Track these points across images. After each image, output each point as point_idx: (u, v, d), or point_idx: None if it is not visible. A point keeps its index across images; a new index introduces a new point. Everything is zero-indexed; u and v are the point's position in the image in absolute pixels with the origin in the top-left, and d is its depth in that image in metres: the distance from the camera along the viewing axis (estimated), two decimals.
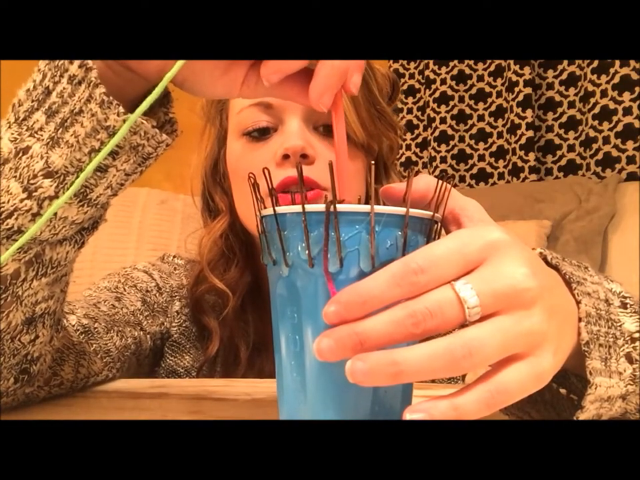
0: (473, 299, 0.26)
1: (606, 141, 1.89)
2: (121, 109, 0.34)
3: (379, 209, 0.29)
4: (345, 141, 0.35)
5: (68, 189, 0.35)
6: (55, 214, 0.36)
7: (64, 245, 0.39)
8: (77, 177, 0.35)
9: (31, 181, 0.35)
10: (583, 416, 0.32)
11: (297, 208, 0.30)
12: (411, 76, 2.37)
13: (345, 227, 0.29)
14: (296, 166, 0.32)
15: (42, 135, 0.35)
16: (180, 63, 0.33)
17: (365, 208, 0.29)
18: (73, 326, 0.51)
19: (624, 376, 0.33)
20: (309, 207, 0.30)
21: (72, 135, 0.35)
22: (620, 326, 0.34)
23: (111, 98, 0.34)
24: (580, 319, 0.32)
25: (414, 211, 0.30)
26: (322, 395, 0.31)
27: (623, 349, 0.34)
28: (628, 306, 0.36)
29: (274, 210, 0.31)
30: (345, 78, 0.35)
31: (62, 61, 0.35)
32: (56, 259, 0.39)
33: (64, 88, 0.35)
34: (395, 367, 0.25)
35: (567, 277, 0.33)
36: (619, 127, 1.87)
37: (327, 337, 0.26)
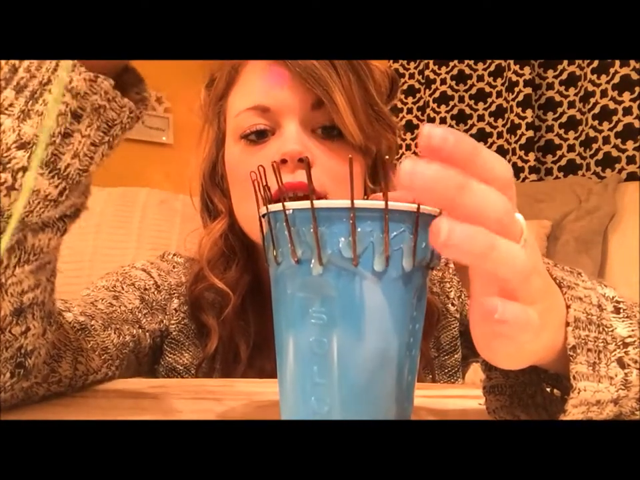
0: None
1: (606, 141, 1.90)
2: (83, 69, 0.36)
3: (423, 208, 0.29)
4: None
5: (37, 158, 0.36)
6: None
7: (46, 231, 0.39)
8: (46, 144, 0.36)
9: (5, 154, 0.36)
10: (566, 419, 0.32)
11: (342, 203, 0.29)
12: (411, 76, 2.37)
13: (392, 225, 0.29)
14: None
15: (12, 111, 0.36)
16: None
17: (412, 207, 0.29)
18: (70, 323, 0.51)
19: (615, 381, 0.33)
20: (359, 203, 0.29)
21: (41, 104, 0.36)
22: (612, 331, 0.34)
23: (75, 62, 0.36)
24: (567, 324, 0.32)
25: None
26: (354, 398, 0.31)
27: (615, 354, 0.34)
28: (621, 311, 0.36)
29: (312, 204, 0.29)
30: None
31: None
32: (38, 245, 0.39)
33: (30, 63, 0.36)
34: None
35: (558, 281, 0.33)
36: (619, 127, 1.87)
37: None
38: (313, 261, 0.30)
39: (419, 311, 0.32)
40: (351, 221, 0.29)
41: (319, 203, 0.29)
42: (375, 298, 0.30)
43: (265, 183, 0.34)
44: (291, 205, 0.30)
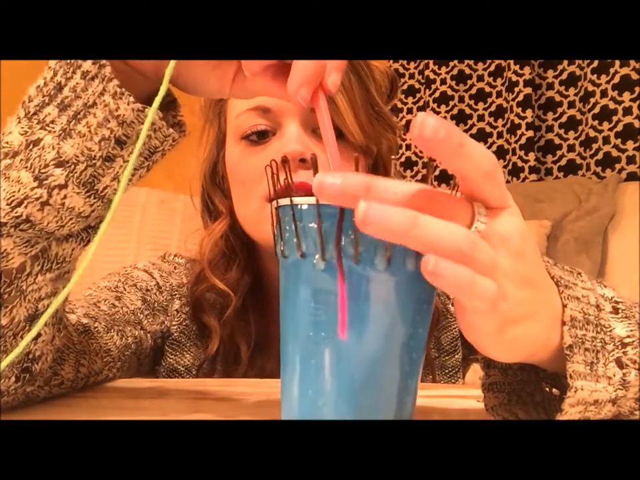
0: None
1: (606, 141, 1.89)
2: (132, 99, 0.36)
3: None
4: (333, 139, 0.34)
5: (77, 177, 0.37)
6: (63, 204, 0.37)
7: (70, 241, 0.40)
8: (87, 166, 0.37)
9: (42, 170, 0.36)
10: (563, 419, 0.32)
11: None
12: (411, 76, 2.37)
13: None
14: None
15: (54, 127, 0.37)
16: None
17: None
18: (73, 325, 0.51)
19: (613, 380, 0.33)
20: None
21: (84, 126, 0.37)
22: (610, 331, 0.34)
23: (123, 89, 0.36)
24: (564, 323, 0.32)
25: None
26: (347, 395, 0.31)
27: (613, 354, 0.34)
28: (619, 311, 0.36)
29: (317, 201, 0.30)
30: (323, 73, 0.35)
31: None
32: (61, 254, 0.40)
33: (77, 83, 0.37)
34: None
35: (555, 279, 0.33)
36: (619, 127, 1.87)
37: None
38: (316, 256, 0.30)
39: (422, 316, 0.32)
40: (354, 218, 0.29)
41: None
42: (374, 297, 0.30)
43: (285, 177, 0.35)
44: (298, 201, 0.31)
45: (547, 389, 0.39)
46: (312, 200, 0.30)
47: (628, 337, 0.34)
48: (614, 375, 0.33)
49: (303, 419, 0.32)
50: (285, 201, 0.32)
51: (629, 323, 0.35)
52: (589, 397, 0.32)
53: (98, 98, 0.36)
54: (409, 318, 0.31)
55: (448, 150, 0.27)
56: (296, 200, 0.31)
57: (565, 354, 0.31)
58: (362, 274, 0.30)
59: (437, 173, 0.31)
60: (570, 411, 0.32)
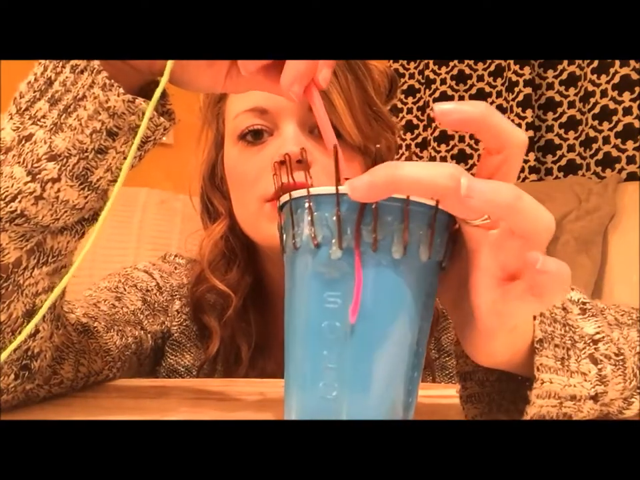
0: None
1: (606, 141, 1.89)
2: (121, 90, 0.36)
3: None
4: (331, 131, 0.35)
5: (70, 171, 0.37)
6: (57, 197, 0.37)
7: (65, 234, 0.40)
8: (79, 159, 0.37)
9: (35, 165, 0.36)
10: (531, 410, 0.32)
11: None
12: (411, 76, 2.37)
13: (411, 216, 0.29)
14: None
15: (45, 122, 0.37)
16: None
17: (431, 202, 0.30)
18: (72, 324, 0.51)
19: (589, 377, 0.33)
20: None
21: (75, 119, 0.37)
22: (580, 330, 0.35)
23: (112, 81, 0.36)
24: (534, 317, 0.32)
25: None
26: (362, 385, 0.31)
27: (585, 351, 0.34)
28: (587, 311, 0.36)
29: (337, 190, 0.30)
30: (315, 70, 0.35)
31: None
32: (57, 248, 0.40)
33: (66, 77, 0.37)
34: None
35: None
36: (619, 127, 1.87)
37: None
38: (333, 243, 0.30)
39: (427, 310, 0.32)
40: (374, 206, 0.29)
41: (344, 189, 0.30)
42: (390, 285, 0.30)
43: (287, 177, 0.35)
44: (315, 190, 0.31)
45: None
46: (330, 189, 0.30)
47: (597, 333, 0.35)
48: (589, 371, 0.33)
49: (312, 413, 0.31)
50: (300, 192, 0.32)
51: (597, 320, 0.36)
52: (561, 391, 0.32)
53: (87, 90, 0.36)
54: (418, 309, 0.31)
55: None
56: (313, 190, 0.31)
57: (534, 348, 0.32)
58: (379, 262, 0.30)
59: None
60: (538, 402, 0.32)
